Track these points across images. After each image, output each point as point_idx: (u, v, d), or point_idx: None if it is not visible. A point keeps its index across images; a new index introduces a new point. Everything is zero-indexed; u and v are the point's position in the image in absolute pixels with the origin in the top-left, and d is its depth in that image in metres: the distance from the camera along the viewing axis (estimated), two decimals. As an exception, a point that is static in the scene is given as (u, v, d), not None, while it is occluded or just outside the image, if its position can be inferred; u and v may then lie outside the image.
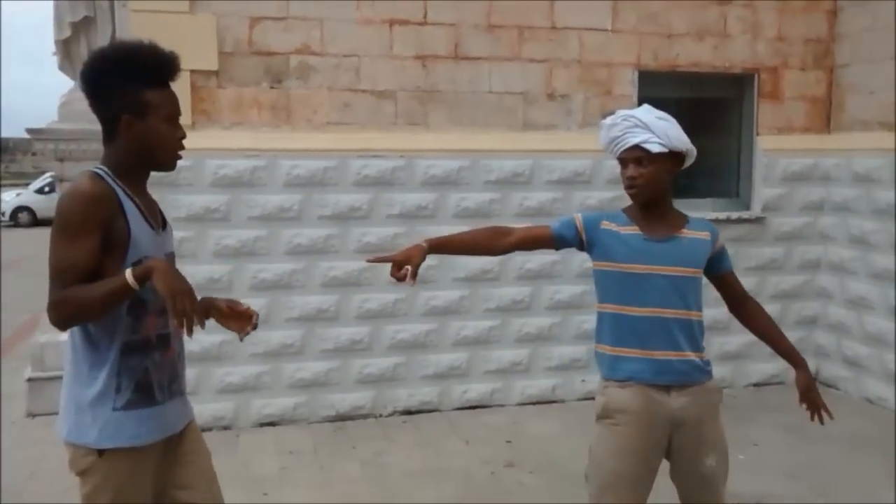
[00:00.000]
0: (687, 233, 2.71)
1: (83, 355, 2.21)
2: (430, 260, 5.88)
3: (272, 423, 5.54)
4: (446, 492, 4.51)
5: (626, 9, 5.96)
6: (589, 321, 5.94)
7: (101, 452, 2.19)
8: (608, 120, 2.73)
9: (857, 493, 4.44)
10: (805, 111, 6.43)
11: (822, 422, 2.87)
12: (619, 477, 2.67)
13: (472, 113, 5.78)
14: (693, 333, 2.69)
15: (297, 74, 5.48)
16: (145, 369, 2.25)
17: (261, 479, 4.66)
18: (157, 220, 2.36)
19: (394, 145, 5.61)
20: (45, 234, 2.18)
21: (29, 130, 6.32)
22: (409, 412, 5.76)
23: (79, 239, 2.10)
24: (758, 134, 6.35)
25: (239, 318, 2.50)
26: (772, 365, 6.41)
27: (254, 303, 5.53)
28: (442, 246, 2.75)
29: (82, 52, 6.31)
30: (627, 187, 2.69)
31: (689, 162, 2.74)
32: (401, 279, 2.58)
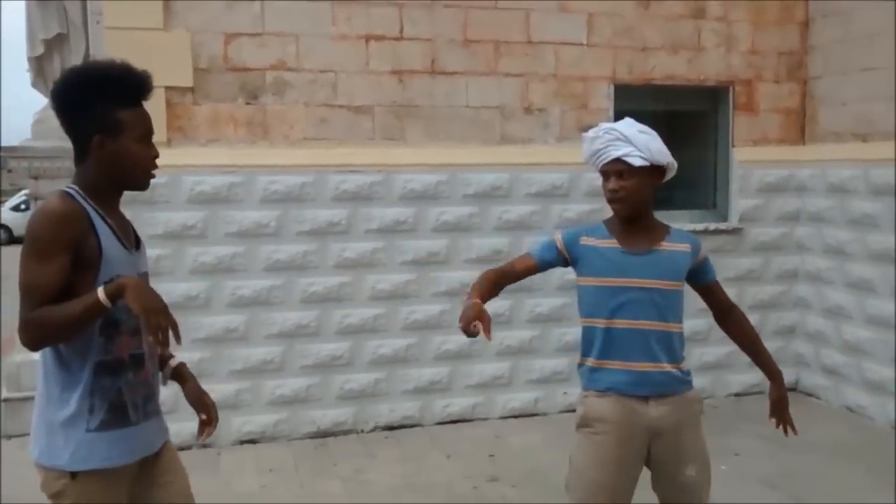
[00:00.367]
0: (666, 245, 2.72)
1: (55, 376, 2.18)
2: (410, 275, 5.89)
3: (252, 441, 5.48)
4: (428, 508, 4.49)
5: (601, 23, 6.00)
6: (570, 333, 5.95)
7: (73, 475, 2.16)
8: (590, 133, 2.74)
9: (837, 502, 4.45)
10: (779, 123, 6.49)
11: (786, 433, 2.97)
12: (598, 486, 2.68)
13: (450, 127, 5.79)
14: (672, 345, 2.71)
15: (273, 90, 5.46)
16: (119, 389, 2.22)
17: (242, 497, 4.61)
18: (131, 240, 2.33)
19: (371, 160, 5.60)
20: (20, 252, 2.15)
21: (2, 148, 6.26)
22: (390, 427, 5.73)
23: (49, 258, 2.07)
24: (733, 146, 6.40)
25: (202, 408, 2.51)
26: (752, 375, 6.43)
27: (232, 319, 5.55)
28: (485, 299, 2.67)
29: (55, 70, 6.26)
30: (609, 200, 2.71)
31: (669, 175, 2.77)
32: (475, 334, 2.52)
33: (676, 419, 2.70)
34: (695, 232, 5.91)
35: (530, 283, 5.84)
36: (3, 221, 24.86)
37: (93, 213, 2.17)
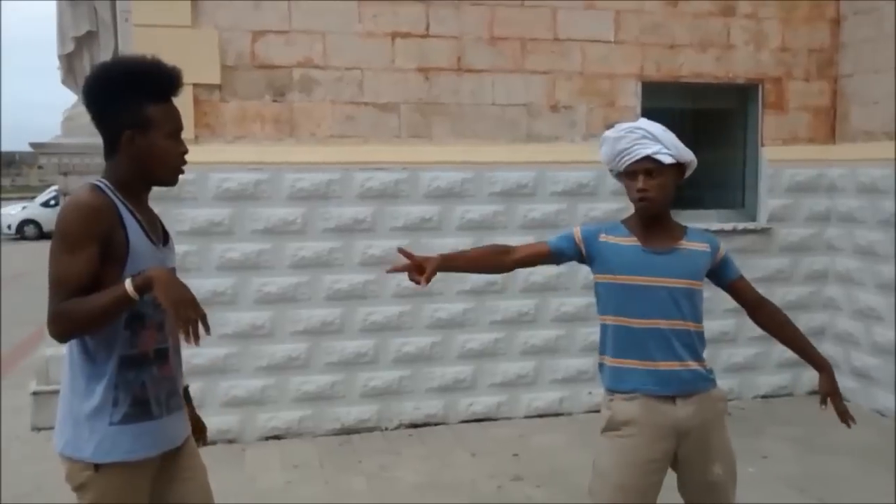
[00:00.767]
0: (686, 244, 2.71)
1: (81, 369, 2.19)
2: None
3: (277, 437, 5.51)
4: (452, 506, 4.48)
5: (628, 20, 5.96)
6: (595, 333, 5.83)
7: (97, 467, 2.18)
8: (611, 133, 2.72)
9: (866, 506, 4.40)
10: (809, 121, 6.41)
11: (848, 426, 2.78)
12: (624, 490, 2.66)
13: (476, 125, 5.77)
14: (693, 343, 2.69)
15: (299, 88, 5.48)
16: (142, 383, 2.23)
17: (266, 493, 4.63)
18: (159, 235, 2.35)
19: (397, 158, 5.60)
20: (49, 245, 2.18)
21: (33, 144, 6.34)
22: (414, 425, 5.74)
23: (78, 251, 2.09)
24: (762, 144, 6.33)
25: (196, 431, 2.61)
26: (780, 376, 6.38)
27: (258, 316, 5.59)
28: (452, 260, 2.76)
29: (85, 67, 6.34)
30: (638, 199, 2.67)
31: (689, 173, 2.75)
32: (414, 280, 2.57)
33: (703, 418, 2.68)
34: (723, 232, 5.92)
35: (556, 282, 5.87)
36: (34, 217, 25.22)
37: (122, 208, 2.19)
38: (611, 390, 2.75)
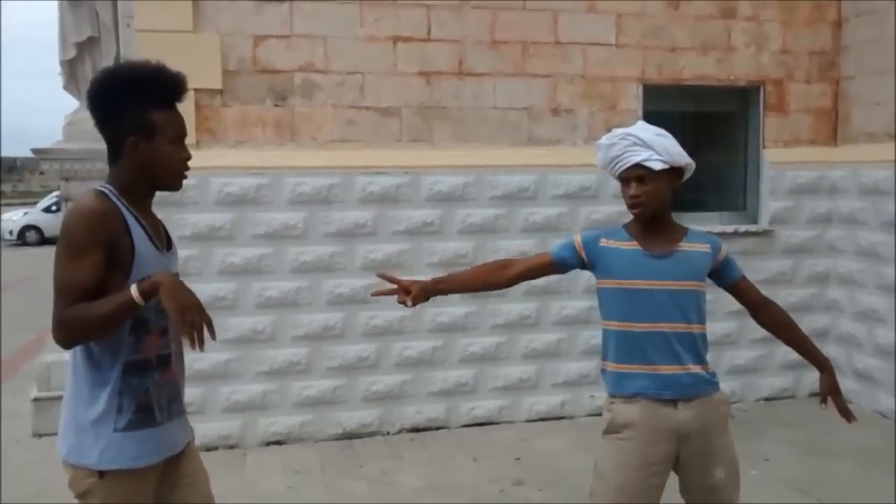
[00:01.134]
0: (686, 246, 2.71)
1: (84, 375, 2.19)
2: (437, 276, 5.85)
3: (279, 442, 5.50)
4: (454, 510, 4.47)
5: (629, 23, 5.96)
6: (597, 336, 5.84)
7: (101, 474, 2.17)
8: (605, 140, 2.73)
9: (870, 509, 4.39)
10: (811, 123, 6.41)
11: (849, 422, 2.78)
12: (623, 492, 2.67)
13: (477, 128, 5.77)
14: (695, 346, 2.69)
15: (301, 92, 5.48)
16: (146, 389, 2.23)
17: (267, 498, 4.63)
18: (162, 240, 2.35)
19: (398, 162, 5.60)
20: (52, 252, 2.18)
21: (34, 150, 6.34)
22: (416, 429, 5.73)
23: (83, 257, 2.09)
24: (764, 147, 6.33)
25: None
26: (782, 379, 6.37)
27: (260, 321, 5.58)
28: (445, 283, 2.86)
29: (87, 72, 6.35)
30: (630, 206, 2.70)
31: (687, 175, 2.75)
32: (401, 301, 2.71)
33: (704, 422, 2.67)
34: (724, 234, 5.91)
35: (557, 285, 5.86)
36: (35, 222, 25.26)
37: (126, 213, 2.19)
38: (612, 394, 2.76)
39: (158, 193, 2.34)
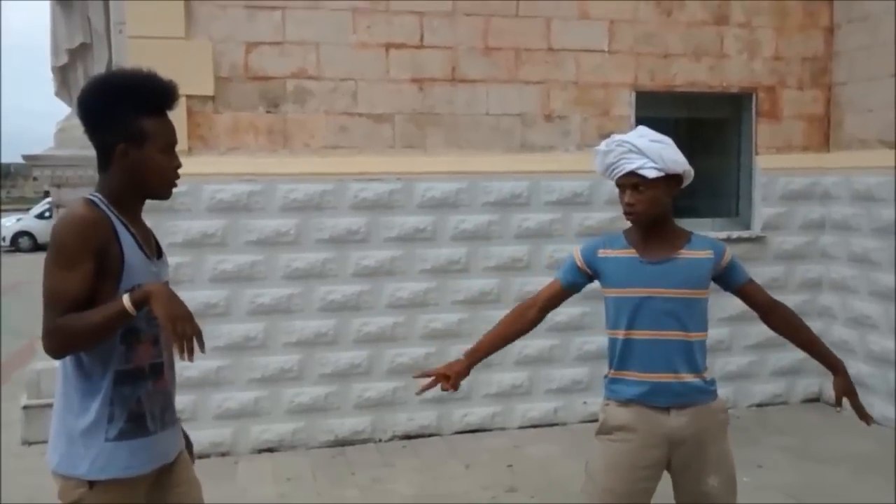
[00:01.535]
0: (686, 253, 2.69)
1: (75, 385, 2.17)
2: (429, 283, 5.86)
3: (270, 450, 5.48)
4: (447, 518, 4.46)
5: (622, 30, 5.97)
6: (590, 343, 5.90)
7: (91, 484, 2.15)
8: (602, 146, 2.73)
9: (863, 516, 4.38)
10: (803, 130, 6.42)
11: (868, 424, 2.83)
12: (610, 493, 2.69)
13: (470, 135, 5.77)
14: (692, 355, 2.68)
15: (293, 99, 5.47)
16: (138, 399, 2.21)
17: (259, 506, 4.61)
18: (152, 249, 2.33)
19: (391, 168, 5.59)
20: (44, 259, 2.16)
21: (25, 157, 6.32)
22: (408, 436, 5.71)
23: (73, 266, 2.07)
24: (756, 153, 6.34)
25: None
26: (775, 385, 6.37)
27: (251, 328, 5.56)
28: (478, 352, 2.91)
29: (79, 79, 6.33)
30: (626, 214, 2.70)
31: (687, 182, 2.74)
32: (445, 388, 2.80)
33: (698, 429, 2.67)
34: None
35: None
36: (28, 228, 25.18)
37: (116, 222, 2.17)
38: (607, 397, 2.78)
39: (149, 200, 2.32)
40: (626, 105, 6.01)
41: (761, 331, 5.94)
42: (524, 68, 5.83)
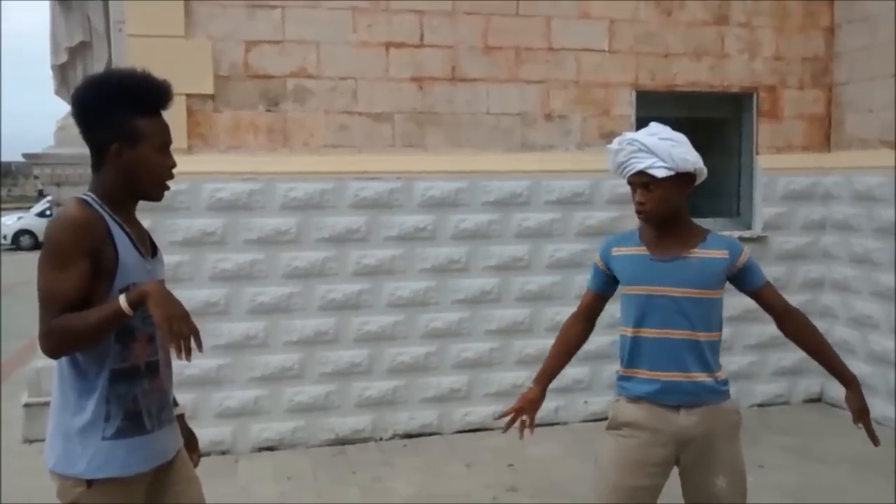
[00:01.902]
0: (698, 252, 2.67)
1: (71, 384, 2.17)
2: (429, 282, 5.85)
3: (271, 448, 5.47)
4: (447, 517, 4.45)
5: (622, 29, 5.96)
6: (590, 342, 5.85)
7: (90, 483, 2.15)
8: (614, 144, 2.72)
9: (864, 516, 4.37)
10: (804, 130, 6.41)
11: (875, 445, 2.84)
12: (617, 489, 2.69)
13: (470, 134, 5.76)
14: (702, 354, 2.66)
15: (293, 97, 5.47)
16: (134, 397, 2.21)
17: (259, 505, 4.60)
18: (147, 247, 2.32)
19: (391, 167, 5.59)
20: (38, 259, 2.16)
21: (26, 155, 6.32)
22: (409, 435, 5.70)
23: (67, 267, 2.07)
24: (757, 153, 6.33)
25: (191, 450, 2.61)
26: (775, 385, 6.36)
27: (252, 326, 5.55)
28: (545, 374, 2.95)
29: (79, 77, 6.30)
30: (637, 212, 2.70)
31: (700, 179, 2.72)
32: (523, 424, 2.85)
33: (707, 428, 2.66)
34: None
35: (550, 290, 5.85)
36: (29, 227, 25.18)
37: (110, 221, 2.17)
38: (618, 394, 2.80)
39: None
40: (626, 105, 6.01)
41: (763, 331, 5.99)
42: (524, 67, 5.82)
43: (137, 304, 2.03)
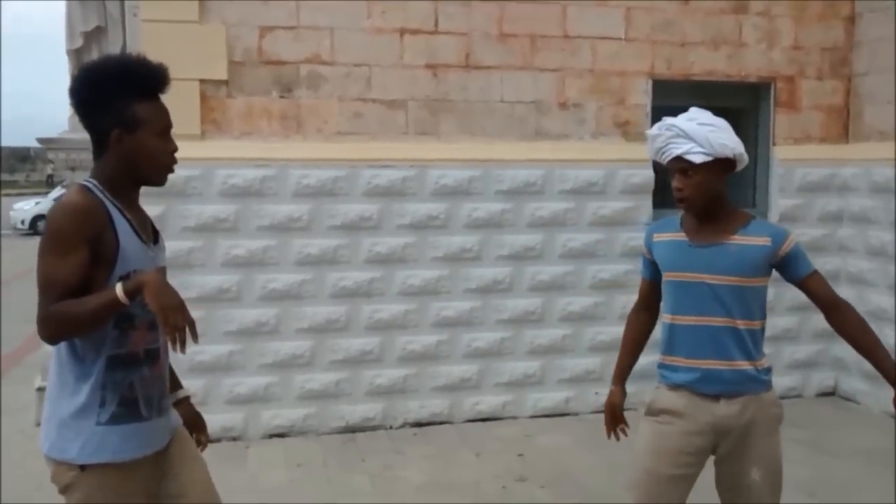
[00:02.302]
0: (738, 239, 2.62)
1: (69, 369, 2.17)
2: (441, 270, 5.83)
3: (281, 435, 5.49)
4: (456, 506, 4.45)
5: (639, 17, 5.90)
6: (603, 333, 5.87)
7: (83, 468, 2.15)
8: (653, 130, 2.70)
9: (876, 511, 4.34)
10: (822, 120, 6.34)
11: None
12: (649, 474, 2.68)
13: (484, 122, 5.73)
14: (743, 342, 2.62)
15: (307, 84, 5.45)
16: (130, 384, 2.20)
17: (269, 491, 4.61)
18: (149, 234, 2.32)
19: (404, 155, 5.57)
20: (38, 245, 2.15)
21: (40, 140, 6.35)
22: (419, 424, 5.70)
23: (68, 253, 2.07)
24: (774, 144, 6.27)
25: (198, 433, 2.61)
26: (790, 378, 6.31)
27: (263, 313, 5.56)
28: (621, 370, 2.94)
29: (94, 62, 6.32)
30: (676, 199, 2.67)
31: (741, 165, 2.67)
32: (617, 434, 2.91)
33: (747, 419, 2.62)
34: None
35: (563, 280, 5.82)
36: (46, 212, 25.34)
37: (111, 208, 2.16)
38: (660, 382, 2.78)
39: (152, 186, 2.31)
40: (642, 93, 5.95)
41: (776, 323, 5.94)
42: (539, 55, 5.78)
43: (134, 293, 2.02)
